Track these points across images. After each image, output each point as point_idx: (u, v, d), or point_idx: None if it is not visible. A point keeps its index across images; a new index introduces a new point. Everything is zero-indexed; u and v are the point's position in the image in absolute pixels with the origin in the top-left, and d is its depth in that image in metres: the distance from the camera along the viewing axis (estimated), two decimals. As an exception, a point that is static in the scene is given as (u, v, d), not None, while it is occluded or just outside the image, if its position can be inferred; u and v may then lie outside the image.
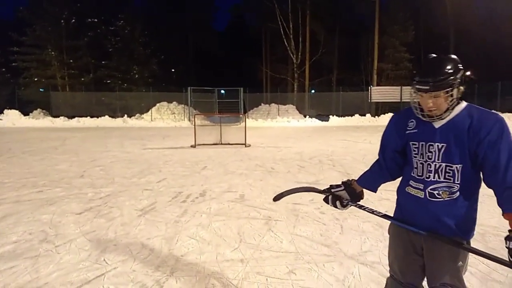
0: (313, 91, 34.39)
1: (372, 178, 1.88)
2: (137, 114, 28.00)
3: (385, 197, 4.68)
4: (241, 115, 22.15)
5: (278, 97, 30.26)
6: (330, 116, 26.52)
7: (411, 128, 1.68)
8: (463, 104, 1.59)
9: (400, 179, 1.82)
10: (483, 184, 1.59)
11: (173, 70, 40.30)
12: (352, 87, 31.06)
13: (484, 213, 3.90)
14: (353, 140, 13.27)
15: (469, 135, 1.52)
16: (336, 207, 1.88)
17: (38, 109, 28.28)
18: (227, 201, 4.91)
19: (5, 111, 25.49)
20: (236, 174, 6.87)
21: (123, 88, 30.63)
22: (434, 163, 1.59)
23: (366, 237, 3.54)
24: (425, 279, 1.74)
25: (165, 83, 33.39)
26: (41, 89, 30.17)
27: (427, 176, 1.61)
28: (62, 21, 29.63)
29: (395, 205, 1.85)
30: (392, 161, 1.81)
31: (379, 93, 27.98)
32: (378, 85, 30.00)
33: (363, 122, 24.82)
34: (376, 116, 25.90)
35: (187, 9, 41.40)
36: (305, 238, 3.53)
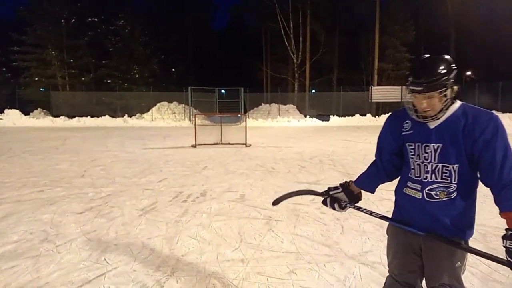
0: (313, 91, 34.39)
1: (369, 180, 1.88)
2: (138, 114, 28.00)
3: (386, 197, 4.67)
4: (239, 115, 22.18)
5: (279, 97, 30.24)
6: (331, 116, 26.52)
7: (406, 130, 1.68)
8: (458, 103, 1.59)
9: (398, 179, 1.82)
10: (483, 184, 1.59)
11: (173, 70, 40.31)
12: (352, 87, 31.02)
13: (485, 214, 3.89)
14: (353, 140, 13.27)
15: (464, 135, 1.52)
16: (334, 209, 1.88)
17: (39, 109, 28.29)
18: (228, 201, 4.91)
19: (6, 110, 25.48)
20: (236, 174, 6.87)
21: (124, 88, 30.63)
22: (431, 163, 1.59)
23: (367, 237, 3.54)
24: (424, 279, 1.75)
25: (166, 83, 33.42)
26: (41, 89, 30.17)
27: (425, 177, 1.60)
28: (62, 20, 29.63)
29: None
30: (388, 162, 1.81)
31: (379, 93, 27.96)
32: (378, 85, 29.98)
33: (364, 122, 24.81)
34: (377, 116, 25.89)
35: (187, 9, 41.40)
36: (305, 238, 3.53)
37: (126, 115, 26.94)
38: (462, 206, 1.57)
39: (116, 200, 4.97)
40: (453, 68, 1.52)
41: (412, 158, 1.66)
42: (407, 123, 1.68)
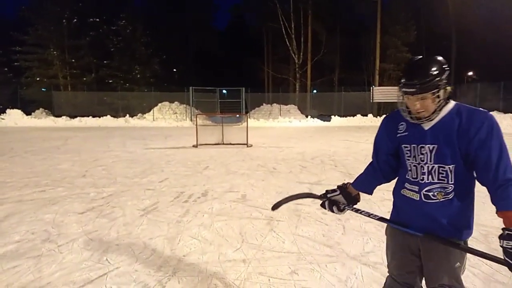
0: (315, 91, 34.39)
1: (367, 181, 1.88)
2: (139, 114, 28.04)
3: (388, 197, 4.66)
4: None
5: (280, 97, 30.23)
6: (332, 116, 26.52)
7: (401, 131, 1.68)
8: (451, 104, 1.58)
9: (395, 180, 1.82)
10: (480, 184, 1.59)
11: (174, 70, 40.32)
12: (354, 87, 31.00)
13: (487, 214, 3.89)
14: (355, 141, 13.27)
15: (459, 135, 1.52)
16: (333, 211, 1.88)
17: (40, 109, 28.33)
18: (229, 201, 4.91)
19: (8, 110, 25.52)
20: (238, 174, 6.87)
21: (125, 88, 30.68)
22: (427, 164, 1.58)
23: (368, 237, 3.54)
24: (424, 279, 1.74)
25: (167, 83, 33.46)
26: (43, 89, 30.22)
27: (421, 178, 1.60)
28: (64, 20, 29.68)
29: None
30: (385, 164, 1.81)
31: (381, 93, 27.92)
32: (380, 85, 29.96)
33: (365, 122, 24.81)
34: (378, 116, 25.87)
35: (187, 9, 41.39)
36: (307, 239, 3.53)
37: (127, 115, 26.97)
38: (459, 206, 1.57)
39: (117, 200, 4.98)
40: (446, 69, 1.52)
41: (409, 159, 1.66)
42: (402, 124, 1.69)
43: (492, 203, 1.49)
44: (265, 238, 3.55)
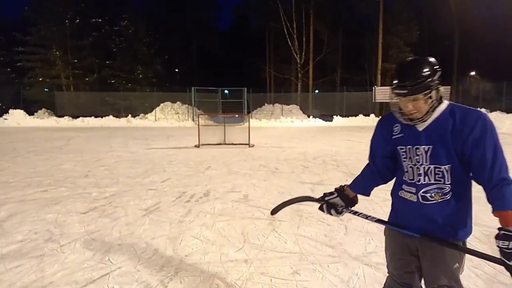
0: (316, 91, 34.36)
1: (364, 183, 1.88)
2: (141, 114, 28.07)
3: (390, 198, 4.66)
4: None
5: (282, 97, 30.21)
6: (334, 116, 26.47)
7: (396, 133, 1.68)
8: (445, 104, 1.58)
9: (393, 182, 1.82)
10: (476, 183, 1.58)
11: (176, 70, 40.37)
12: (356, 87, 30.98)
13: (489, 214, 3.86)
14: (357, 141, 13.24)
15: (453, 135, 1.52)
16: (331, 214, 1.88)
17: (43, 109, 28.42)
18: (231, 201, 4.91)
19: (10, 110, 25.61)
20: (240, 174, 6.87)
21: (127, 88, 30.72)
22: (423, 165, 1.58)
23: (370, 238, 3.53)
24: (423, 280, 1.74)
25: (169, 83, 33.48)
26: (45, 89, 30.33)
27: (418, 179, 1.60)
28: (66, 21, 29.74)
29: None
30: (382, 166, 1.81)
31: (383, 93, 27.76)
32: (382, 85, 29.85)
33: (367, 122, 24.76)
34: (380, 117, 25.80)
35: (188, 9, 41.43)
36: (309, 239, 3.53)
37: (129, 115, 27.02)
38: (457, 206, 1.57)
39: (119, 200, 4.99)
40: (437, 69, 1.51)
41: (405, 161, 1.66)
42: (396, 126, 1.69)
43: (488, 202, 1.49)
44: (267, 238, 3.55)
